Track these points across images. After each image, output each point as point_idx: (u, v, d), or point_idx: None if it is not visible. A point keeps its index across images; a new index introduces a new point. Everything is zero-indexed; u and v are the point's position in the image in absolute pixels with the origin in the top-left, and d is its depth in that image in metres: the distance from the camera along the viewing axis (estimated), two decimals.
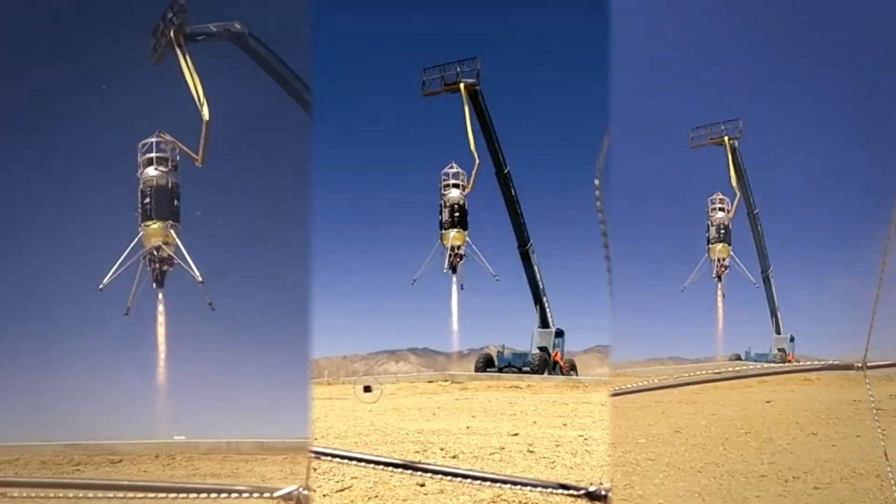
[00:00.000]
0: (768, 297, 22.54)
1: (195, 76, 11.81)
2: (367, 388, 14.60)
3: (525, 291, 22.16)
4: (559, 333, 22.38)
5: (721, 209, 20.65)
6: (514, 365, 21.51)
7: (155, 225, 11.82)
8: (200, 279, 11.60)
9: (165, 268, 11.97)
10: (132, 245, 11.95)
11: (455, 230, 20.35)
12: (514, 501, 4.66)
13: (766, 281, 22.24)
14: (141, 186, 12.00)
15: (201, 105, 11.68)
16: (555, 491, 3.29)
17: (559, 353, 22.14)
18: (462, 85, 20.24)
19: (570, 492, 2.94)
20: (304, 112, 11.68)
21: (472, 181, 20.58)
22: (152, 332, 12.15)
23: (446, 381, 17.95)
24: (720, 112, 19.66)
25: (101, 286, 11.73)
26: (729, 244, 20.69)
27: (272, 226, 11.87)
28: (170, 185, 12.01)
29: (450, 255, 20.31)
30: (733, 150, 20.10)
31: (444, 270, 20.63)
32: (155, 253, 11.81)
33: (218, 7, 12.91)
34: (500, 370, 21.18)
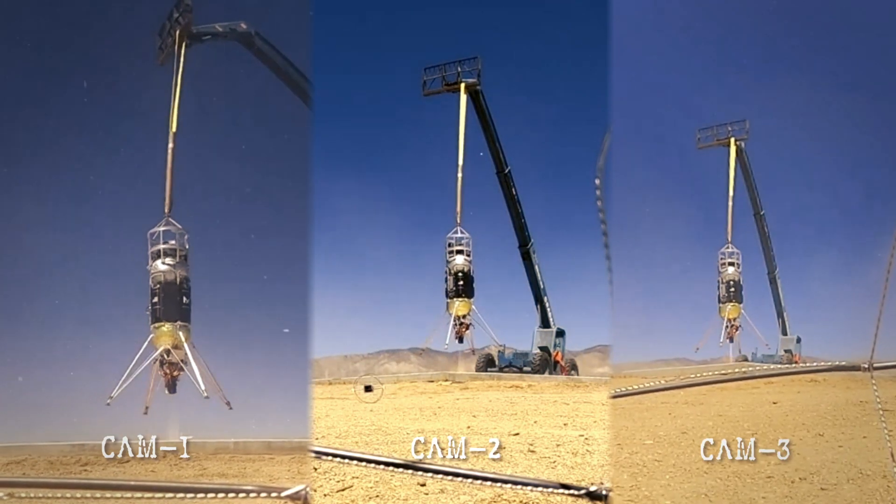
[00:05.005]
0: (774, 299, 22.44)
1: (179, 84, 11.69)
2: (368, 388, 14.56)
3: (526, 291, 22.17)
4: (560, 333, 22.35)
5: (731, 264, 19.32)
6: (514, 365, 21.48)
7: (164, 327, 11.53)
8: (206, 394, 11.09)
9: (176, 374, 11.61)
10: (144, 346, 11.47)
11: (460, 300, 19.63)
12: (514, 501, 4.61)
13: (773, 282, 22.13)
14: (150, 283, 11.69)
15: (171, 117, 11.54)
16: (555, 491, 3.25)
17: (560, 353, 22.11)
18: (462, 85, 20.22)
19: (571, 491, 2.90)
20: (305, 107, 11.75)
21: (459, 195, 19.96)
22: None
23: (447, 380, 17.91)
24: (727, 113, 19.50)
25: (108, 401, 11.12)
26: (740, 302, 19.42)
27: (272, 223, 11.85)
28: (178, 280, 11.69)
29: (455, 326, 19.64)
30: (739, 151, 19.93)
31: (445, 344, 19.69)
32: (165, 357, 11.53)
33: (216, 6, 12.92)
34: (501, 370, 21.14)
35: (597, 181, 2.99)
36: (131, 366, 11.38)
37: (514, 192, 21.29)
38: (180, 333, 11.51)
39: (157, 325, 11.54)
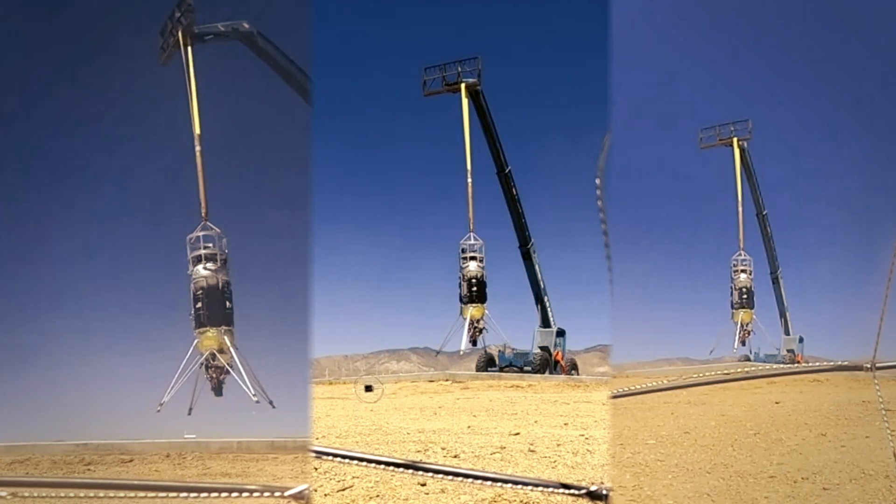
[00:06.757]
0: (777, 298, 22.41)
1: (194, 86, 11.69)
2: (369, 388, 14.54)
3: (527, 291, 22.16)
4: (560, 333, 22.32)
5: (743, 271, 19.63)
6: (515, 364, 21.45)
7: (209, 332, 11.39)
8: (255, 399, 10.99)
9: (222, 377, 11.51)
10: (189, 352, 11.43)
11: (474, 305, 19.95)
12: (515, 501, 4.58)
13: (776, 282, 22.11)
14: (192, 288, 11.51)
15: (194, 118, 11.55)
16: (556, 490, 3.22)
17: (560, 353, 22.07)
18: (463, 85, 20.11)
19: (572, 491, 2.88)
20: (305, 104, 11.82)
21: (470, 198, 19.81)
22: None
23: (447, 380, 17.89)
24: (729, 112, 19.46)
25: (158, 408, 11.07)
26: (752, 308, 19.78)
27: (272, 222, 11.86)
28: (220, 284, 11.50)
29: (470, 329, 20.00)
30: (742, 151, 19.85)
31: (461, 350, 20.17)
32: (211, 361, 11.41)
33: (218, 7, 12.93)
34: (502, 370, 21.12)
35: (597, 181, 2.97)
36: (179, 370, 11.32)
37: (514, 192, 21.24)
38: (225, 338, 11.38)
39: (201, 329, 11.41)
